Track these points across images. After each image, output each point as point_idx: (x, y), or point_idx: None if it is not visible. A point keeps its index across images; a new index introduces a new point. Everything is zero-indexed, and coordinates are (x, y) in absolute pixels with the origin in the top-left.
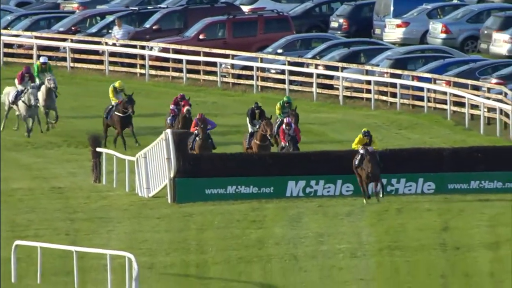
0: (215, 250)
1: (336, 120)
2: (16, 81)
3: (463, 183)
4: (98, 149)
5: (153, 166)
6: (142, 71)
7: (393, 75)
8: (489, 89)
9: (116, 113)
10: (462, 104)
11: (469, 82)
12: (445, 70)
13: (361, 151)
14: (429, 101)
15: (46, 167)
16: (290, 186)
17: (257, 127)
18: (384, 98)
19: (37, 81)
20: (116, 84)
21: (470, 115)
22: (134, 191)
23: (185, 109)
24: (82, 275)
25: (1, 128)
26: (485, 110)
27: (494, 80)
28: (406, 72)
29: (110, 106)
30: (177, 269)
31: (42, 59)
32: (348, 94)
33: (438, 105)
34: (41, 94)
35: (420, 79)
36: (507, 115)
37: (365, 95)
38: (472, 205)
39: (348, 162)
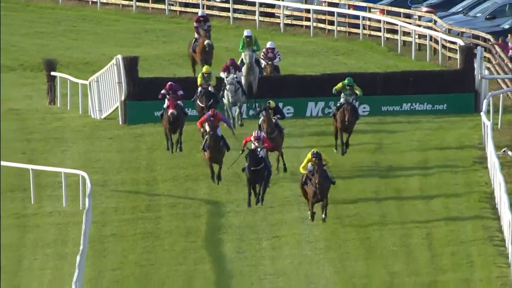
0: (164, 169)
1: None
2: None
3: (395, 105)
4: (52, 73)
5: (105, 89)
6: None
7: (330, 4)
8: (420, 17)
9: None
10: (395, 31)
11: (402, 10)
12: None
13: (310, 168)
14: (364, 28)
15: (2, 90)
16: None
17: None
18: (322, 25)
19: (242, 56)
20: (204, 69)
21: (402, 42)
22: (87, 113)
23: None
24: (38, 192)
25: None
26: (416, 37)
27: (424, 9)
28: (343, 1)
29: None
30: (128, 186)
31: (246, 32)
32: (289, 22)
33: (372, 32)
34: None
35: (356, 7)
36: (436, 42)
37: (304, 23)
38: (403, 126)
39: (287, 87)
